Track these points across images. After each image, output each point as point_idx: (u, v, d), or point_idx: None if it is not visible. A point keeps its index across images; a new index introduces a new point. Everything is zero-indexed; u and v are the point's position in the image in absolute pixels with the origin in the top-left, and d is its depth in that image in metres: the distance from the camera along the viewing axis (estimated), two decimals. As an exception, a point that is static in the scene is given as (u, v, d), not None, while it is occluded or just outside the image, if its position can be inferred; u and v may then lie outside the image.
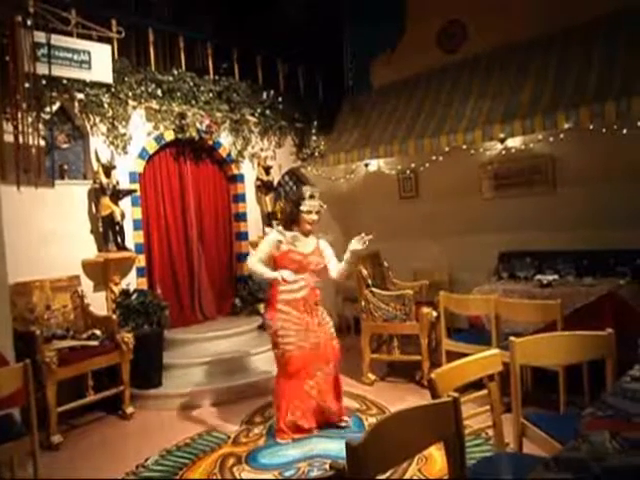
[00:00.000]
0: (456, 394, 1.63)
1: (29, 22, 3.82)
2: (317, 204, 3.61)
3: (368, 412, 3.97)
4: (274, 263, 3.62)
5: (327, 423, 3.66)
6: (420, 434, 1.56)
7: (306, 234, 3.64)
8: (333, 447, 3.35)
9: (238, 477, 3.11)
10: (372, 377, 4.63)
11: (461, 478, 1.63)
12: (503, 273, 4.98)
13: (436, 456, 3.05)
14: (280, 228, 3.69)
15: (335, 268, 3.64)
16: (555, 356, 2.37)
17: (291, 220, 3.66)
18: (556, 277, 4.48)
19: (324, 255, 3.68)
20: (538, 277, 4.46)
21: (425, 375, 4.27)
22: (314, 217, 3.60)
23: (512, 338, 2.25)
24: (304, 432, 3.55)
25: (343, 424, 3.67)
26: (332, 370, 3.65)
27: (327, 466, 3.06)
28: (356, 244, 3.48)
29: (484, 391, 2.12)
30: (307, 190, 3.66)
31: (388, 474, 2.92)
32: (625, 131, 4.68)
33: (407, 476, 2.95)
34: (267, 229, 5.30)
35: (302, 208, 3.58)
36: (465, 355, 2.13)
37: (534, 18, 5.41)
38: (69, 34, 4.37)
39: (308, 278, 3.58)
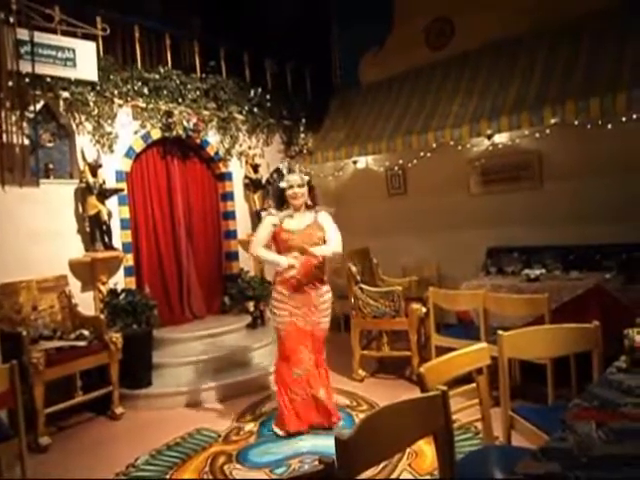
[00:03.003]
0: (445, 388, 1.63)
1: (11, 19, 3.77)
2: (297, 177, 3.55)
3: (358, 408, 3.98)
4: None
5: (319, 424, 3.60)
6: (409, 428, 1.56)
7: (298, 209, 3.57)
8: (324, 443, 3.34)
9: (229, 475, 3.10)
10: (362, 373, 4.64)
11: (451, 471, 1.63)
12: (491, 268, 5.02)
13: (426, 451, 3.06)
14: (272, 210, 3.65)
15: (330, 245, 3.51)
16: (542, 349, 2.39)
17: (280, 200, 3.61)
18: (543, 271, 4.52)
19: (325, 230, 3.56)
20: (526, 272, 4.50)
21: (415, 371, 4.29)
22: (296, 190, 3.52)
23: (500, 332, 2.26)
24: (298, 426, 3.54)
25: (334, 425, 3.60)
26: (315, 360, 3.58)
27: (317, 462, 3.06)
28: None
29: (473, 385, 2.13)
30: (284, 166, 3.63)
31: (379, 468, 2.94)
32: (610, 126, 4.72)
33: (397, 471, 2.96)
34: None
35: (283, 185, 3.55)
36: (454, 350, 2.14)
37: (521, 15, 5.44)
38: (53, 31, 4.32)
39: (299, 256, 3.45)
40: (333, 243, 3.50)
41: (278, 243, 3.56)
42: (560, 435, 1.37)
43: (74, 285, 4.59)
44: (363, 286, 4.64)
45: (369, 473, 2.85)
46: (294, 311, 3.50)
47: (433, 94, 5.95)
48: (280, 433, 3.54)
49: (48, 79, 4.37)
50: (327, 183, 7.04)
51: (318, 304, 3.54)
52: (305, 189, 3.57)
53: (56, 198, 4.58)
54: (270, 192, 3.71)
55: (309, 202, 3.63)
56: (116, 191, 4.84)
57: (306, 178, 3.61)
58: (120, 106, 5.00)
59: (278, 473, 3.07)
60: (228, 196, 6.05)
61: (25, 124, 4.14)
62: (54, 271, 4.42)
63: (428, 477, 2.86)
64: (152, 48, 5.61)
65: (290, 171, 3.57)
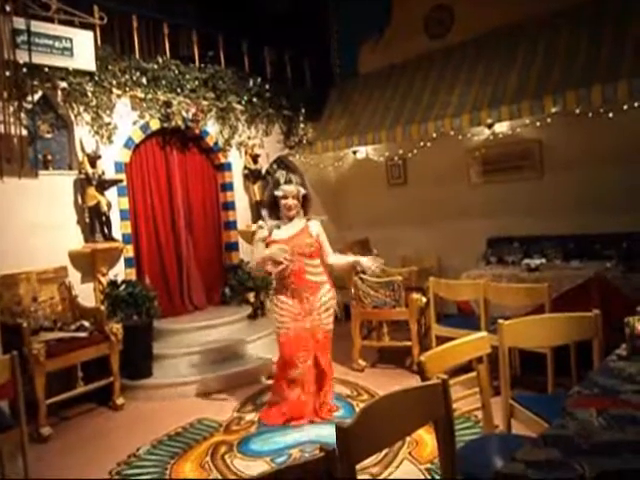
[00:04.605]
0: (445, 376, 1.63)
1: (8, 8, 3.74)
2: (293, 189, 3.57)
3: (359, 398, 3.99)
4: None
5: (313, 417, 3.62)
6: (410, 416, 1.56)
7: (290, 219, 3.60)
8: (325, 433, 3.36)
9: (230, 465, 3.11)
10: (363, 363, 4.65)
11: (451, 460, 1.64)
12: (491, 258, 5.01)
13: (426, 439, 3.08)
14: (261, 222, 3.72)
15: (332, 255, 3.66)
16: (543, 338, 2.39)
17: (272, 207, 3.66)
18: (543, 261, 4.52)
19: (317, 238, 3.60)
20: (526, 261, 4.50)
21: (415, 361, 4.29)
22: (290, 202, 3.55)
23: (500, 321, 2.26)
24: (284, 421, 3.58)
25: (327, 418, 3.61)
26: (313, 361, 3.58)
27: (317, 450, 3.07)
28: (368, 263, 3.49)
29: (473, 373, 2.13)
30: (282, 175, 3.65)
31: (380, 457, 2.95)
32: (611, 115, 4.70)
33: (398, 459, 2.98)
34: (254, 225, 5.22)
35: (277, 194, 3.57)
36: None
37: (521, 2, 5.40)
38: (50, 20, 4.28)
39: (292, 264, 3.50)
40: (333, 254, 3.66)
41: None
42: (561, 422, 1.37)
43: (74, 276, 4.59)
44: (363, 276, 4.63)
45: (370, 461, 2.87)
46: (296, 317, 3.53)
47: (433, 83, 5.91)
48: (266, 423, 3.63)
49: (46, 69, 4.33)
50: (327, 173, 7.02)
51: (318, 306, 3.55)
52: (299, 201, 3.61)
53: (55, 189, 4.56)
54: (269, 198, 3.73)
55: (301, 212, 3.66)
56: (115, 182, 4.82)
57: (302, 190, 3.64)
58: (118, 96, 4.97)
59: (279, 462, 3.08)
60: (228, 186, 6.03)
61: (23, 115, 4.12)
62: (54, 262, 4.41)
63: (429, 465, 2.88)
64: (150, 38, 5.56)
65: (287, 181, 3.59)
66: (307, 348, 3.55)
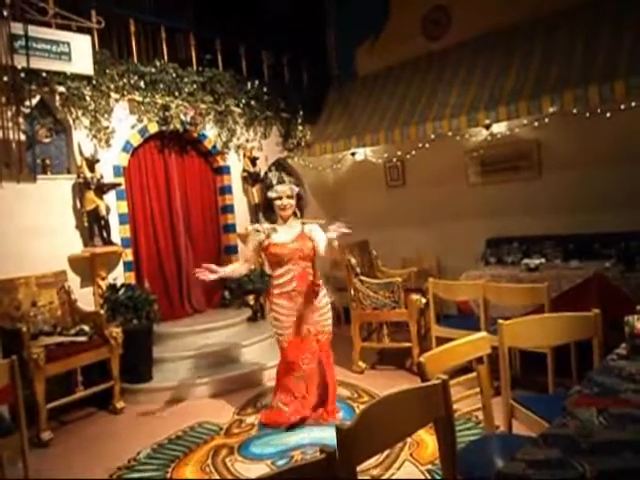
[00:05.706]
0: (445, 376, 1.63)
1: (5, 13, 3.74)
2: (287, 188, 3.53)
3: (359, 400, 3.98)
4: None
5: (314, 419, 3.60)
6: (410, 417, 1.56)
7: (285, 220, 3.57)
8: (326, 435, 3.35)
9: (231, 468, 3.11)
10: (363, 365, 4.65)
11: (452, 460, 1.63)
12: (491, 258, 5.01)
13: (427, 440, 3.08)
14: (257, 225, 3.69)
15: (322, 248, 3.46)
16: (543, 338, 2.39)
17: (267, 208, 3.64)
18: (543, 261, 4.52)
19: (313, 238, 3.54)
20: (525, 261, 4.50)
21: (415, 361, 4.28)
22: (284, 202, 3.52)
23: (500, 321, 2.26)
24: (287, 423, 3.56)
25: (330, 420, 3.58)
26: (316, 364, 3.57)
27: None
28: (331, 234, 3.22)
29: (473, 374, 2.13)
30: (274, 176, 3.61)
31: (381, 458, 2.95)
32: (609, 114, 4.71)
33: (399, 460, 2.97)
34: (249, 226, 5.15)
35: (271, 195, 3.55)
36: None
37: (518, 3, 5.41)
38: (47, 25, 4.28)
39: (295, 268, 3.49)
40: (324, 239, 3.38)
41: (269, 258, 3.58)
42: (561, 421, 1.37)
43: (73, 281, 4.58)
44: (363, 278, 4.64)
45: (371, 462, 2.86)
46: (296, 320, 3.51)
47: (430, 84, 5.92)
48: (266, 424, 3.62)
49: (44, 74, 4.33)
50: (325, 175, 7.02)
51: (319, 307, 3.55)
52: (294, 200, 3.57)
53: (54, 193, 4.55)
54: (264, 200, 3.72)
55: (297, 213, 3.63)
56: (114, 186, 4.82)
57: (296, 189, 3.60)
58: (117, 100, 4.97)
59: (280, 465, 3.07)
60: (226, 189, 6.03)
61: (21, 119, 4.12)
62: (53, 267, 4.40)
63: (430, 466, 2.87)
64: (147, 41, 5.58)
65: (280, 182, 3.55)
66: (312, 351, 3.54)
